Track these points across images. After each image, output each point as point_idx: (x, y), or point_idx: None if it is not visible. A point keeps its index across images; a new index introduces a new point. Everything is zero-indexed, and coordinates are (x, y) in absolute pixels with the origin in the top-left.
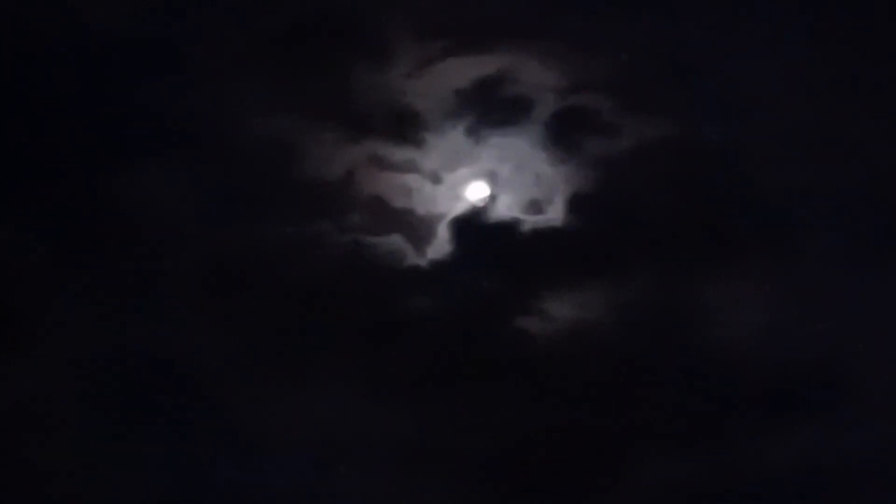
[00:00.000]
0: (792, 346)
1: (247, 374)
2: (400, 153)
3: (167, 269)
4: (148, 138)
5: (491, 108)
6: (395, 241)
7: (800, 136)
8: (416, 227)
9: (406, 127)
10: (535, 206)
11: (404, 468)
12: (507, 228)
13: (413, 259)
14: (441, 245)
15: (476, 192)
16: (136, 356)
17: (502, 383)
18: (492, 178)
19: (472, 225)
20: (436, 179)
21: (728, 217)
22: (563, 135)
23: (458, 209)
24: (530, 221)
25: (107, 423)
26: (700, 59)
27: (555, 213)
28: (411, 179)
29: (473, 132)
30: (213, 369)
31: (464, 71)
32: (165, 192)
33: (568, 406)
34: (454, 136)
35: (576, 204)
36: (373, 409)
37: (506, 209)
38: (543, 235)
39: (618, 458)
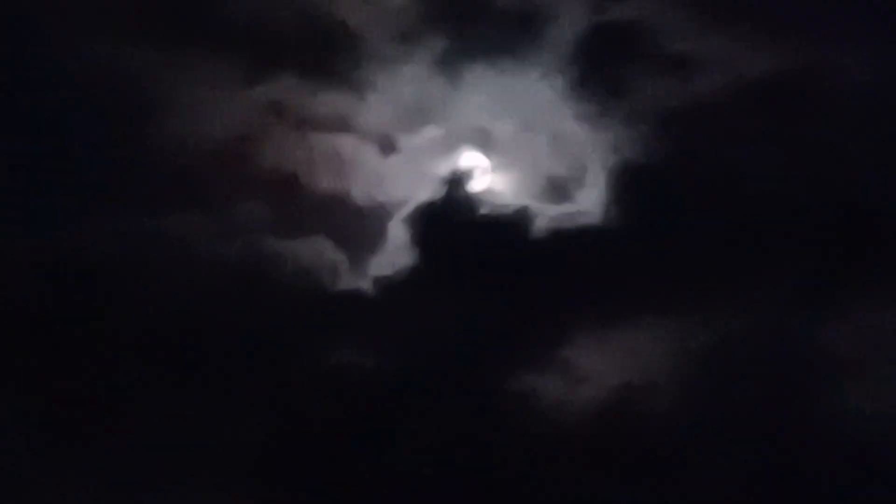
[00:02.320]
0: None
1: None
2: (326, 101)
3: None
4: None
5: (476, 24)
6: (316, 247)
7: None
8: (353, 225)
9: (335, 58)
10: (555, 190)
11: None
12: (508, 227)
13: (346, 279)
14: (394, 255)
15: (454, 166)
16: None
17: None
18: (481, 142)
19: (447, 221)
20: (386, 145)
21: (879, 211)
22: (600, 70)
23: (424, 195)
24: (545, 215)
25: None
26: None
27: (585, 202)
28: (344, 144)
29: (448, 65)
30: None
31: None
32: None
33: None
34: (416, 73)
35: (622, 186)
36: None
37: (505, 194)
38: (568, 238)
39: None
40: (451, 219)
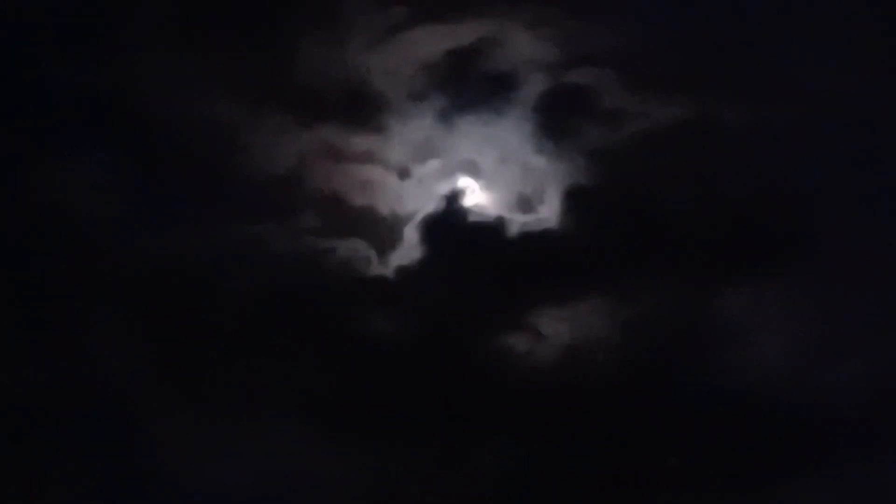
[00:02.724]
0: (832, 375)
1: (176, 409)
2: (359, 141)
3: (82, 283)
4: (69, 125)
5: (468, 87)
6: (354, 245)
7: (838, 119)
8: (380, 230)
9: (366, 110)
10: (524, 204)
11: None
12: (489, 230)
13: (376, 268)
14: (409, 251)
15: (451, 187)
16: (45, 387)
17: (482, 420)
18: (470, 170)
19: (446, 226)
20: (403, 172)
21: (755, 218)
22: (557, 119)
23: (430, 208)
24: (517, 222)
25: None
26: (721, 27)
27: (547, 212)
28: (373, 172)
29: (447, 116)
30: (136, 403)
31: (435, 41)
32: (85, 189)
33: (562, 447)
34: (424, 121)
35: (572, 201)
36: (323, 452)
37: (487, 207)
38: (533, 239)
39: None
40: (448, 225)
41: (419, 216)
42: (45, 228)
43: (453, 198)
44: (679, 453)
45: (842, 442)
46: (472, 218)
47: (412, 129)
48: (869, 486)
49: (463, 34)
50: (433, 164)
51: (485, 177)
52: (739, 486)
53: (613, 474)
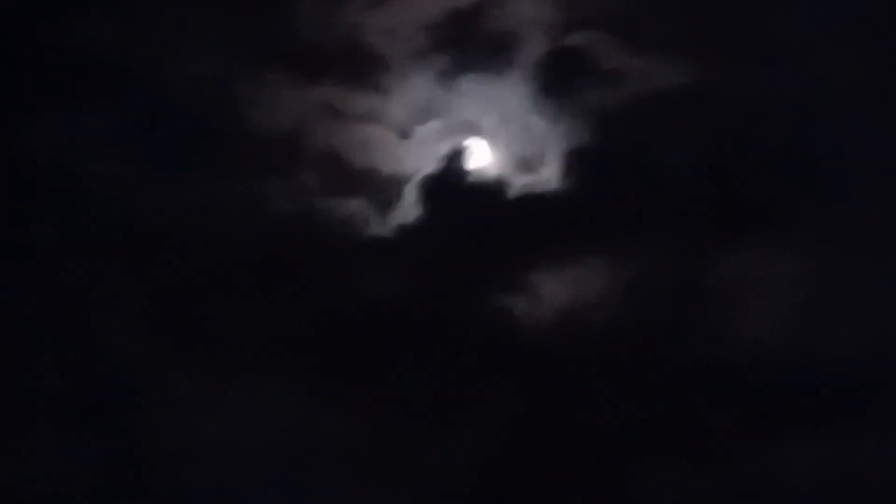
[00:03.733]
0: (831, 337)
1: (176, 366)
2: (359, 102)
3: (85, 236)
4: (70, 82)
5: (469, 48)
6: (355, 205)
7: (841, 85)
8: (380, 190)
9: (366, 70)
10: (524, 165)
11: (360, 479)
12: (489, 191)
13: (375, 227)
14: (409, 210)
15: (451, 147)
16: (44, 341)
17: (481, 377)
18: (470, 131)
19: (446, 187)
20: (402, 133)
21: (756, 181)
22: (558, 81)
23: (430, 168)
24: (517, 183)
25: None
26: None
27: (548, 173)
28: (373, 132)
29: (448, 77)
30: (135, 359)
31: (435, 1)
32: (87, 144)
33: (559, 404)
34: (424, 82)
35: (573, 162)
36: (319, 411)
37: (487, 168)
38: (533, 199)
39: (615, 468)
40: (448, 185)
41: (419, 176)
42: (45, 185)
43: (454, 158)
44: (675, 416)
45: (840, 406)
46: (472, 178)
47: (413, 89)
48: (867, 451)
49: None
50: (434, 125)
51: (485, 137)
52: (735, 449)
53: (608, 436)
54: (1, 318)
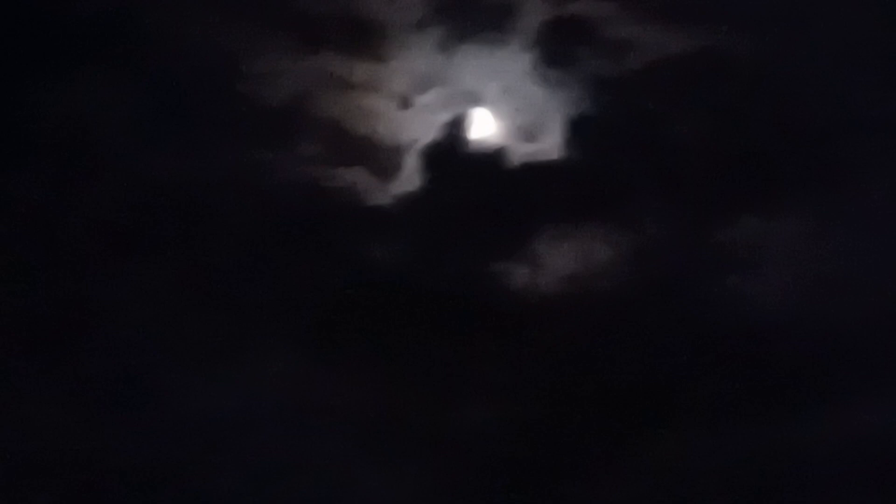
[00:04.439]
0: (839, 308)
1: (181, 336)
2: (360, 70)
3: (85, 204)
4: (69, 49)
5: (469, 15)
6: (356, 174)
7: (850, 51)
8: (381, 159)
9: (367, 39)
10: (526, 134)
11: (367, 449)
12: (491, 160)
13: (377, 196)
14: (410, 179)
15: (452, 116)
16: (48, 308)
17: (484, 347)
18: (471, 100)
19: (447, 156)
20: (403, 102)
21: (760, 149)
22: (559, 49)
23: (431, 137)
24: (519, 151)
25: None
26: None
27: (550, 142)
28: (374, 101)
29: (448, 44)
30: (139, 329)
31: None
32: (85, 111)
33: (564, 374)
34: (425, 50)
35: (575, 130)
36: (329, 377)
37: (489, 137)
38: (535, 168)
39: (621, 441)
40: (449, 154)
41: (420, 145)
42: (45, 151)
43: (455, 127)
44: (681, 386)
45: (848, 378)
46: (473, 147)
47: (414, 57)
48: (875, 422)
49: None
50: (435, 93)
51: (487, 106)
52: (743, 419)
53: (614, 406)
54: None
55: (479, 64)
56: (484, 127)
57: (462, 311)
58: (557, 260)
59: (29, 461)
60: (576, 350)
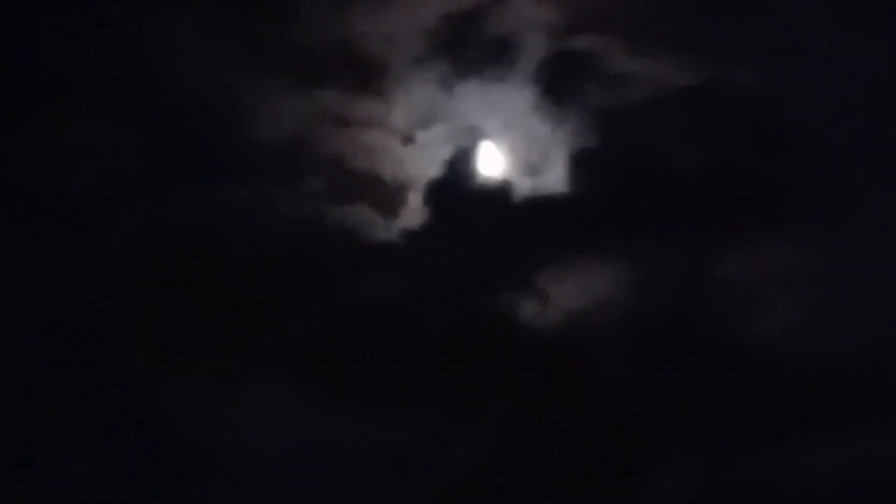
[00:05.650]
0: (844, 334)
1: (182, 371)
2: (362, 107)
3: (89, 243)
4: (74, 85)
5: (470, 52)
6: (360, 210)
7: (853, 81)
8: (385, 195)
9: (369, 75)
10: (529, 168)
11: (367, 482)
12: (494, 194)
13: (381, 232)
14: (414, 215)
15: (454, 151)
16: (50, 344)
17: (490, 382)
18: (474, 135)
19: (451, 191)
20: (406, 138)
21: (765, 180)
22: (561, 82)
23: (434, 173)
24: (523, 186)
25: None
26: None
27: (553, 176)
28: (377, 137)
29: (450, 80)
30: (142, 362)
31: (436, 5)
32: (91, 149)
33: (569, 405)
34: (427, 86)
35: (579, 164)
36: (325, 416)
37: (492, 171)
38: (539, 203)
39: (625, 467)
40: (452, 189)
41: (423, 181)
42: (45, 192)
43: (458, 162)
44: (685, 414)
45: (848, 403)
46: (476, 182)
47: (416, 93)
48: (873, 448)
49: None
50: (437, 129)
51: (489, 141)
52: (745, 445)
53: (618, 433)
54: (6, 326)
55: (481, 99)
56: (487, 162)
57: (466, 345)
58: (563, 293)
59: None
60: (580, 382)
